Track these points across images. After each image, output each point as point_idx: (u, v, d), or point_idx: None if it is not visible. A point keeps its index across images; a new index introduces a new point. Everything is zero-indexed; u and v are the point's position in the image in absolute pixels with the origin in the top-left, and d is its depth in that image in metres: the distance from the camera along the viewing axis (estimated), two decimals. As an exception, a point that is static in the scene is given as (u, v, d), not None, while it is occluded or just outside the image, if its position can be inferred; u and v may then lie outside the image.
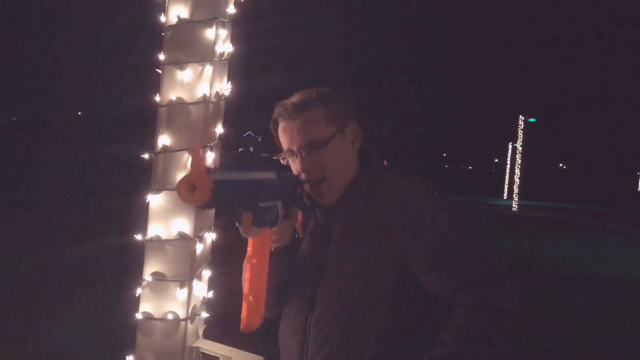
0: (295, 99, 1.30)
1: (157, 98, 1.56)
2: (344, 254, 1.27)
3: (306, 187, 1.32)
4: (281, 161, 1.36)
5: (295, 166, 1.32)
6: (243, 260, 1.27)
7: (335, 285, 1.26)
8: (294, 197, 1.28)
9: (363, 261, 1.24)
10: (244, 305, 1.17)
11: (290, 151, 1.32)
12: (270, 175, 1.15)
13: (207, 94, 1.53)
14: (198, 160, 0.92)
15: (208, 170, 0.92)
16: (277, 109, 1.32)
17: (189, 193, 0.91)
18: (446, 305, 1.16)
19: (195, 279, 1.54)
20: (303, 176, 1.30)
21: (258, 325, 1.19)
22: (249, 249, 1.19)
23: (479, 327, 1.10)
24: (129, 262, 1.91)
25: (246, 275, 1.20)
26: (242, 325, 1.17)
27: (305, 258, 1.35)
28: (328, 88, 1.36)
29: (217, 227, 1.67)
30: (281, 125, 1.32)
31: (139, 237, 1.54)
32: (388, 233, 1.23)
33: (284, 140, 1.33)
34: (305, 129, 1.27)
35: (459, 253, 1.17)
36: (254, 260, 1.18)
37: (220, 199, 0.95)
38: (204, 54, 1.53)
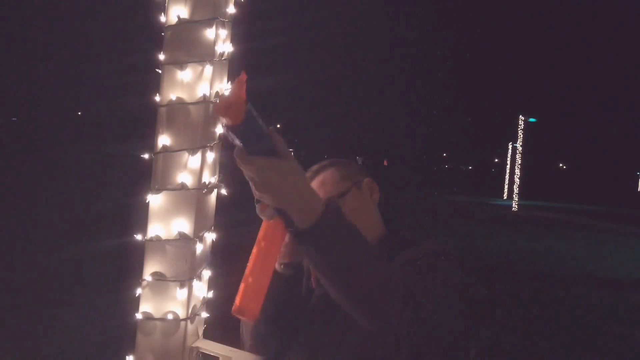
0: (312, 168, 1.41)
1: (157, 98, 1.56)
2: None
3: None
4: None
5: None
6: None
7: (342, 341, 1.24)
8: None
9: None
10: (242, 286, 1.10)
11: None
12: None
13: (207, 94, 1.53)
14: (241, 85, 0.90)
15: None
16: None
17: (225, 108, 0.90)
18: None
19: (195, 279, 1.54)
20: None
21: (251, 316, 1.09)
22: (260, 232, 1.17)
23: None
24: (129, 262, 1.91)
25: (251, 257, 1.15)
26: (233, 308, 1.09)
27: (315, 310, 1.33)
28: (342, 159, 1.46)
29: (217, 227, 1.67)
30: None
31: (139, 237, 1.54)
32: None
33: None
34: (320, 188, 1.36)
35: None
36: (263, 244, 1.14)
37: (248, 131, 0.93)
38: (204, 54, 1.53)
